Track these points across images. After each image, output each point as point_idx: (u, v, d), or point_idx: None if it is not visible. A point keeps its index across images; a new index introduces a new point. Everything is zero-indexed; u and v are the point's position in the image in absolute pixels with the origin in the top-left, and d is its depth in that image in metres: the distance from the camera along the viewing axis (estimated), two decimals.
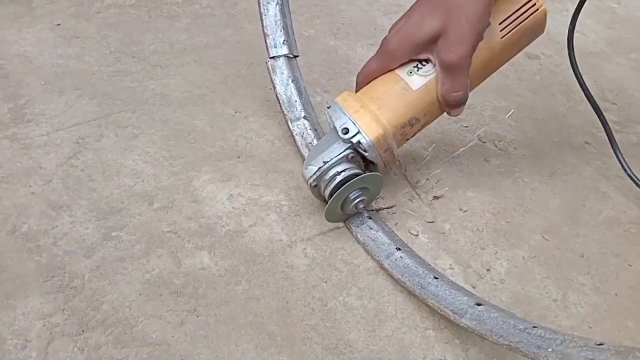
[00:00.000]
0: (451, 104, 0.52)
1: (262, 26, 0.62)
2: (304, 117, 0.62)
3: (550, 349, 0.37)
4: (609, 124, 0.65)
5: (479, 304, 0.45)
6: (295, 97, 0.62)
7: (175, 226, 0.53)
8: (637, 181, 0.62)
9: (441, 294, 0.47)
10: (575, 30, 0.71)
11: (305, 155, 0.59)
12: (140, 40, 0.77)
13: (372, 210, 0.57)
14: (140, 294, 0.47)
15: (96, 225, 0.52)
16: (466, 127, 0.70)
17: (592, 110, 0.69)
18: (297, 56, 0.64)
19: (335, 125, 0.52)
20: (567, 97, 0.79)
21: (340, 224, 0.56)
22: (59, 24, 0.77)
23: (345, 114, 0.52)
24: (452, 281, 0.50)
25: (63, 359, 0.42)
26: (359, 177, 0.52)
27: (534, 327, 0.41)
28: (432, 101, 0.52)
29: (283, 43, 0.62)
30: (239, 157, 0.62)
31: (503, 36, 0.53)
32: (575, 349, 0.36)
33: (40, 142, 0.60)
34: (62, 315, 0.45)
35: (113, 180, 0.57)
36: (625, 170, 0.63)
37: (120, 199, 0.55)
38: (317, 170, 0.52)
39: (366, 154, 0.52)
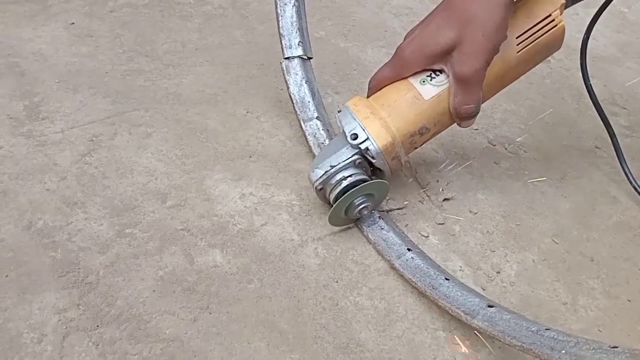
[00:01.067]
0: (462, 116, 0.52)
1: (278, 27, 0.63)
2: (316, 118, 0.62)
3: (563, 351, 0.38)
4: (619, 129, 0.65)
5: (490, 306, 0.46)
6: (308, 97, 0.63)
7: (188, 224, 0.54)
8: (637, 187, 0.62)
9: (453, 295, 0.48)
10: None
11: (317, 154, 0.59)
12: (153, 40, 0.77)
13: (383, 211, 0.57)
14: (153, 291, 0.48)
15: (110, 222, 0.53)
16: (476, 129, 0.71)
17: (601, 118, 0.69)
18: (311, 58, 0.64)
19: (345, 130, 0.52)
20: (577, 101, 0.79)
21: (352, 224, 0.56)
22: (73, 23, 0.78)
23: (355, 120, 0.52)
24: (463, 283, 0.50)
25: (78, 353, 0.43)
26: (364, 183, 0.52)
27: (546, 329, 0.41)
28: (444, 111, 0.52)
29: (298, 44, 0.63)
30: (250, 157, 0.62)
31: (519, 50, 0.52)
32: (589, 351, 0.37)
33: (55, 139, 0.60)
34: (77, 310, 0.46)
35: (127, 177, 0.57)
36: (631, 182, 0.63)
37: (133, 197, 0.56)
38: (323, 174, 0.52)
39: (374, 161, 0.52)
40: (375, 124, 0.51)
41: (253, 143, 0.64)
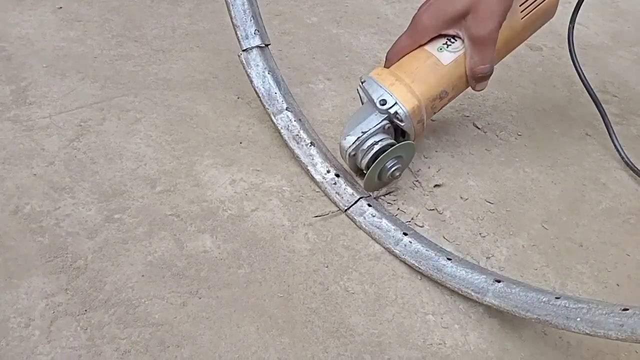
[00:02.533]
0: (478, 77, 0.55)
1: (230, 17, 0.60)
2: (286, 109, 0.61)
3: (578, 319, 0.38)
4: (610, 117, 0.66)
5: (498, 280, 0.47)
6: (274, 89, 0.61)
7: (177, 209, 0.53)
8: (632, 165, 0.64)
9: (459, 274, 0.48)
10: (577, 23, 0.72)
11: (293, 147, 0.59)
12: (143, 25, 0.76)
13: (370, 196, 0.57)
14: (142, 276, 0.48)
15: (99, 207, 0.52)
16: (468, 116, 0.71)
17: (593, 102, 0.70)
18: (269, 44, 0.62)
19: (373, 97, 0.54)
20: (568, 89, 0.79)
21: (340, 212, 0.56)
22: (60, 7, 0.77)
23: (381, 87, 0.55)
24: (464, 260, 0.51)
25: (66, 337, 0.43)
26: (395, 146, 0.54)
27: (557, 298, 0.42)
28: (460, 75, 0.56)
29: (255, 33, 0.61)
30: (241, 143, 0.62)
31: (523, 17, 0.57)
32: (602, 316, 0.37)
33: (43, 124, 0.59)
34: (65, 295, 0.45)
35: (115, 163, 0.57)
36: (623, 158, 0.64)
37: (122, 182, 0.55)
38: (356, 140, 0.54)
39: (402, 124, 0.54)
40: (401, 89, 0.54)
41: (244, 129, 0.63)
